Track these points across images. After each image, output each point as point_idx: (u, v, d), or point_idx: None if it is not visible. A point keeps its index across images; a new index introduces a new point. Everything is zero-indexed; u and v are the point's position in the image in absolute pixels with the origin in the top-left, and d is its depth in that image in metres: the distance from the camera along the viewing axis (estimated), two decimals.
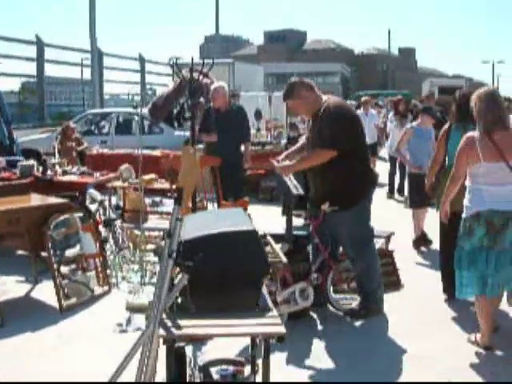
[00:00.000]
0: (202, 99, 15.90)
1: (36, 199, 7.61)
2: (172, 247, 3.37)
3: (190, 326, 3.54)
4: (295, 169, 6.40)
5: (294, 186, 6.39)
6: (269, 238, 5.68)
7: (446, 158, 7.05)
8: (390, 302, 6.87)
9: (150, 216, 11.39)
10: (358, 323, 6.49)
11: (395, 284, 7.42)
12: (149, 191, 10.85)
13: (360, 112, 15.99)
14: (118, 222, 9.65)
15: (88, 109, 24.23)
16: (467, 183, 5.68)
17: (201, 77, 8.83)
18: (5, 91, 28.95)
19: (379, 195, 11.16)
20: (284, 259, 5.94)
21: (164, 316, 3.47)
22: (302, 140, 6.86)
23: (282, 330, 3.60)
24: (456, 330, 6.29)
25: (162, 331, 3.46)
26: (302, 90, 6.32)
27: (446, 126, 7.24)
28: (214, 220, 4.01)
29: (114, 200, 10.97)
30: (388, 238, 8.27)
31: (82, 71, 34.77)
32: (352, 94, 53.27)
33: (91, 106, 26.40)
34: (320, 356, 5.69)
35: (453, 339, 6.05)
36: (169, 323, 3.52)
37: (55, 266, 6.94)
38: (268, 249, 6.20)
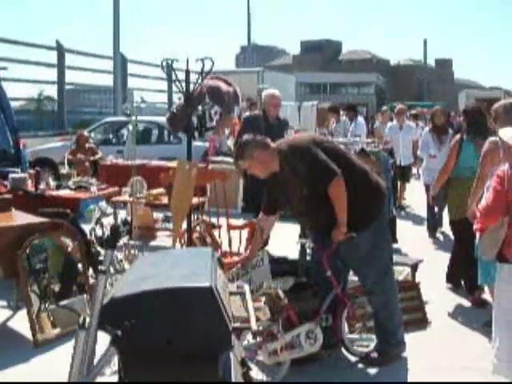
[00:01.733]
0: (216, 107, 15.15)
1: (15, 218, 6.77)
2: (93, 310, 2.48)
3: None
4: (344, 225, 5.33)
5: None
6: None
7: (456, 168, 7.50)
8: (414, 344, 5.87)
9: (158, 233, 10.65)
10: (373, 371, 5.54)
11: (421, 322, 6.45)
12: (158, 206, 10.09)
13: (391, 124, 14.80)
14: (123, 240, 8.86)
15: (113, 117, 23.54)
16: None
17: (205, 81, 7.90)
18: (23, 98, 28.68)
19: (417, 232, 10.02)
20: (282, 296, 5.28)
21: None
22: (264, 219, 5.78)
23: None
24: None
25: None
26: (255, 151, 5.40)
27: (457, 138, 7.68)
28: (165, 268, 3.01)
29: (123, 214, 10.20)
30: (414, 268, 7.22)
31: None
32: (387, 104, 52.21)
33: (115, 114, 25.68)
34: None
35: None
36: None
37: (32, 294, 6.12)
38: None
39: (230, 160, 14.46)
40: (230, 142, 16.44)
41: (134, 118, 8.38)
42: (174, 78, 6.91)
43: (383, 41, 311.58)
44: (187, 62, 6.87)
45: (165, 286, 2.69)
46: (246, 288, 3.41)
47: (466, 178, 7.16)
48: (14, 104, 29.54)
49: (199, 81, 7.09)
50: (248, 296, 3.24)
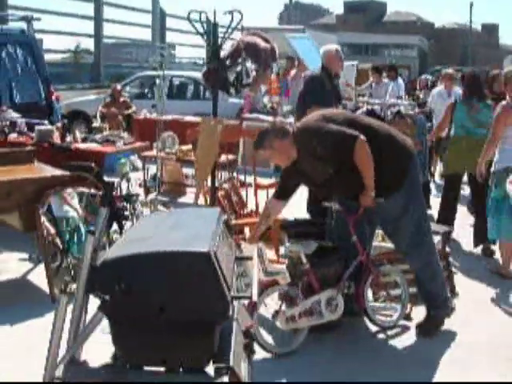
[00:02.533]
0: (252, 65, 14.87)
1: (36, 170, 6.62)
2: (80, 273, 2.30)
3: None
4: (371, 189, 5.07)
5: None
6: None
7: (452, 128, 8.11)
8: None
9: (187, 190, 10.52)
10: (394, 342, 5.33)
11: (450, 292, 6.21)
12: (189, 162, 9.92)
13: (439, 90, 13.86)
14: (141, 198, 8.71)
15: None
16: (499, 145, 6.84)
17: (242, 37, 7.65)
18: (60, 50, 28.53)
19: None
20: (304, 261, 5.04)
21: (59, 373, 2.40)
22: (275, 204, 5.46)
23: None
24: None
25: None
26: (275, 141, 5.08)
27: (452, 99, 9.00)
28: (165, 229, 2.78)
29: (154, 170, 10.06)
30: (446, 236, 6.94)
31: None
32: (429, 68, 51.28)
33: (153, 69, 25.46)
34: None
35: None
36: None
37: (53, 248, 6.01)
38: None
39: (265, 117, 14.25)
40: (266, 100, 16.19)
41: (161, 72, 8.13)
42: (202, 31, 6.62)
43: (429, 3, 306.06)
44: (214, 13, 6.60)
45: (159, 249, 2.49)
46: (254, 253, 3.21)
47: (459, 136, 8.00)
48: (54, 57, 29.62)
49: (227, 35, 6.79)
50: (255, 262, 3.04)
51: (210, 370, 2.50)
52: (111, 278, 2.39)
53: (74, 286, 2.59)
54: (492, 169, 6.97)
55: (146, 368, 2.56)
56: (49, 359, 2.49)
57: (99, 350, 2.95)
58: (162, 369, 2.55)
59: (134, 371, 2.50)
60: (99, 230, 2.54)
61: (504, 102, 6.91)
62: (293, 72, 16.85)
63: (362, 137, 4.91)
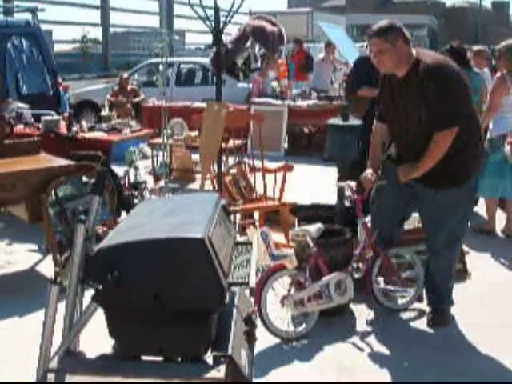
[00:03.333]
0: (261, 48, 14.75)
1: (42, 161, 6.57)
2: (71, 262, 2.25)
3: None
4: (420, 172, 4.81)
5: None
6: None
7: None
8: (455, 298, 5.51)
9: (197, 176, 10.47)
10: (401, 327, 5.26)
11: (461, 273, 6.13)
12: (198, 148, 9.85)
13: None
14: (150, 185, 8.67)
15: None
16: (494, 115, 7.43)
17: (249, 21, 7.55)
18: (67, 40, 28.52)
19: None
20: (311, 244, 4.95)
21: (54, 365, 2.35)
22: (378, 128, 5.27)
23: None
24: None
25: None
26: (400, 40, 4.75)
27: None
28: (160, 216, 2.69)
29: (162, 157, 10.01)
30: None
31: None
32: (440, 47, 50.90)
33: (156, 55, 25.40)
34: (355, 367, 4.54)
35: None
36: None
37: (57, 237, 5.96)
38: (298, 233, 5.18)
39: (274, 102, 14.17)
40: (275, 84, 16.08)
41: (164, 58, 8.05)
42: (204, 16, 6.52)
43: None
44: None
45: (152, 236, 2.43)
46: (254, 239, 3.14)
47: None
48: (63, 47, 29.60)
49: (228, 19, 6.68)
50: (255, 248, 2.97)
51: (209, 358, 2.45)
52: (104, 267, 2.33)
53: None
54: (488, 136, 7.50)
55: (144, 358, 2.52)
56: (42, 352, 2.44)
57: (98, 340, 2.92)
58: (160, 358, 2.50)
59: (131, 361, 2.45)
60: (91, 218, 2.49)
61: (499, 74, 7.46)
62: (321, 55, 16.76)
63: (453, 133, 4.66)
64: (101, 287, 2.32)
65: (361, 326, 5.22)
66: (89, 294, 2.52)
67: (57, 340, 2.59)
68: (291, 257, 5.26)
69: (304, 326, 4.98)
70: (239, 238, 5.66)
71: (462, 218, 5.05)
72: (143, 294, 2.35)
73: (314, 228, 4.99)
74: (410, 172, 4.86)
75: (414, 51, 4.84)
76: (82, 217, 2.43)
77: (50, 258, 6.43)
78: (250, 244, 3.02)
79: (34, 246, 7.13)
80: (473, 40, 70.21)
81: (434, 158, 4.73)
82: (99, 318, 2.58)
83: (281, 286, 5.06)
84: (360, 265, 5.16)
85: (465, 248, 6.33)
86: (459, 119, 4.69)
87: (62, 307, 2.61)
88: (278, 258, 5.02)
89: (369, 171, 5.11)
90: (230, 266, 2.63)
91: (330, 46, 16.52)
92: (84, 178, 6.40)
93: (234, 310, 2.67)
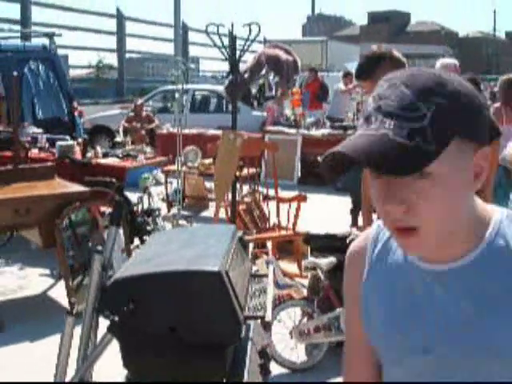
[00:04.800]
0: (275, 77, 14.79)
1: (57, 186, 6.59)
2: (88, 293, 2.25)
3: None
4: None
5: None
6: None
7: None
8: None
9: (210, 203, 10.47)
10: None
11: None
12: (211, 176, 9.87)
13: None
14: (163, 212, 8.67)
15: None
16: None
17: (264, 50, 7.60)
18: (82, 65, 28.70)
19: None
20: (322, 277, 4.95)
21: None
22: None
23: None
24: None
25: None
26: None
27: None
28: (176, 247, 2.67)
29: (175, 184, 10.03)
30: None
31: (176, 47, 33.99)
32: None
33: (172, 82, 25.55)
34: None
35: None
36: None
37: (70, 262, 5.97)
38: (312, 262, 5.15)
39: (288, 130, 14.20)
40: (290, 112, 16.12)
41: (180, 86, 8.11)
42: (220, 44, 6.56)
43: (452, 12, 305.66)
44: (232, 26, 6.52)
45: (169, 268, 2.42)
46: (270, 270, 3.11)
47: None
48: (78, 72, 29.79)
49: (245, 48, 6.72)
50: (270, 280, 2.95)
51: None
52: (120, 298, 2.32)
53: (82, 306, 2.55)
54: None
55: None
56: (56, 381, 2.43)
57: (112, 370, 2.90)
58: None
59: None
60: (108, 249, 2.49)
61: (497, 105, 7.56)
62: (341, 85, 16.77)
63: None
64: (116, 318, 2.31)
65: None
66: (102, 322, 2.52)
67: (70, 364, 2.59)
68: (297, 286, 5.22)
69: (312, 357, 4.94)
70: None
71: None
72: (159, 325, 2.34)
73: (326, 261, 4.97)
74: None
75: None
76: (99, 247, 2.43)
77: (62, 283, 6.45)
78: (266, 276, 3.00)
79: (47, 271, 7.15)
80: (486, 70, 70.45)
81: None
82: (113, 348, 2.57)
83: (288, 316, 5.03)
84: None
85: None
86: None
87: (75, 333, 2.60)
88: (283, 287, 4.96)
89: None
90: (246, 298, 2.61)
91: (348, 76, 16.57)
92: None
93: (249, 343, 2.65)
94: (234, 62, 6.67)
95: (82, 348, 2.44)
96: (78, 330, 2.69)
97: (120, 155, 8.87)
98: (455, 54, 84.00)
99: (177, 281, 2.35)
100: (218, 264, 2.38)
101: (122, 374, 2.66)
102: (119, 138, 12.10)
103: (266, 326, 4.37)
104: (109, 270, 2.49)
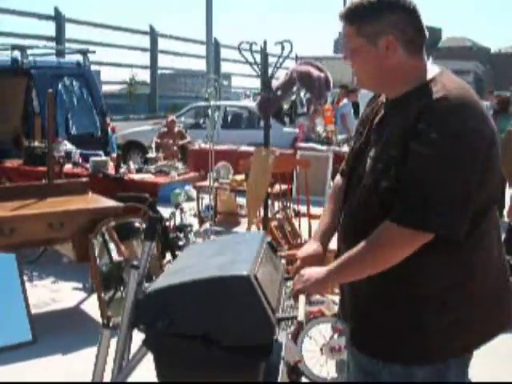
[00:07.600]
0: (307, 94, 14.82)
1: (90, 201, 6.69)
2: (124, 307, 2.28)
3: None
4: (331, 277, 2.67)
5: None
6: None
7: None
8: None
9: (242, 219, 10.51)
10: None
11: None
12: (243, 192, 9.92)
13: None
14: (195, 228, 8.73)
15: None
16: None
17: (295, 66, 7.67)
18: (115, 81, 29.03)
19: None
20: None
21: None
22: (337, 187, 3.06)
23: None
24: None
25: None
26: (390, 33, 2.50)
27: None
28: (207, 257, 2.73)
29: (207, 200, 10.09)
30: None
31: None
32: (486, 94, 50.56)
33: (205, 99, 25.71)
34: None
35: None
36: None
37: (109, 278, 6.03)
38: None
39: (319, 147, 14.20)
40: (321, 129, 16.13)
41: (212, 102, 8.18)
42: (252, 61, 6.61)
43: (484, 28, 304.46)
44: (264, 44, 6.58)
45: (198, 276, 2.44)
46: None
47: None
48: (111, 88, 30.16)
49: (278, 65, 6.77)
50: None
51: None
52: (153, 311, 2.35)
53: (117, 319, 2.59)
54: None
55: None
56: None
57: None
58: None
59: None
60: (143, 264, 2.53)
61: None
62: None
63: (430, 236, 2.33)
64: (151, 332, 2.34)
65: None
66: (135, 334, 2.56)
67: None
68: (328, 303, 5.22)
69: (342, 374, 4.92)
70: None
71: None
72: (192, 336, 2.35)
73: None
74: (316, 280, 2.65)
75: (431, 67, 2.56)
76: (135, 262, 2.47)
77: (94, 296, 6.51)
78: None
79: (79, 285, 7.22)
80: None
81: (369, 260, 2.47)
82: (145, 360, 2.61)
83: (319, 332, 5.03)
84: None
85: None
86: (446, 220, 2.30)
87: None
88: (315, 304, 4.96)
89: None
90: (279, 301, 2.64)
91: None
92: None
93: (281, 359, 2.67)
94: (266, 78, 6.72)
95: (117, 361, 2.48)
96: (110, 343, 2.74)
97: (153, 171, 8.96)
98: (487, 70, 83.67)
99: (206, 288, 2.37)
100: (246, 268, 2.40)
101: None
102: (151, 154, 12.18)
103: (300, 326, 4.36)
104: (143, 284, 2.53)
